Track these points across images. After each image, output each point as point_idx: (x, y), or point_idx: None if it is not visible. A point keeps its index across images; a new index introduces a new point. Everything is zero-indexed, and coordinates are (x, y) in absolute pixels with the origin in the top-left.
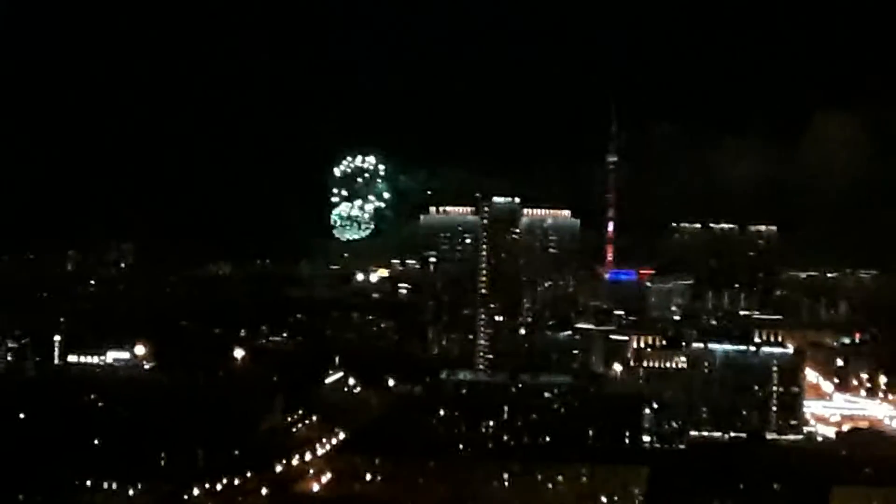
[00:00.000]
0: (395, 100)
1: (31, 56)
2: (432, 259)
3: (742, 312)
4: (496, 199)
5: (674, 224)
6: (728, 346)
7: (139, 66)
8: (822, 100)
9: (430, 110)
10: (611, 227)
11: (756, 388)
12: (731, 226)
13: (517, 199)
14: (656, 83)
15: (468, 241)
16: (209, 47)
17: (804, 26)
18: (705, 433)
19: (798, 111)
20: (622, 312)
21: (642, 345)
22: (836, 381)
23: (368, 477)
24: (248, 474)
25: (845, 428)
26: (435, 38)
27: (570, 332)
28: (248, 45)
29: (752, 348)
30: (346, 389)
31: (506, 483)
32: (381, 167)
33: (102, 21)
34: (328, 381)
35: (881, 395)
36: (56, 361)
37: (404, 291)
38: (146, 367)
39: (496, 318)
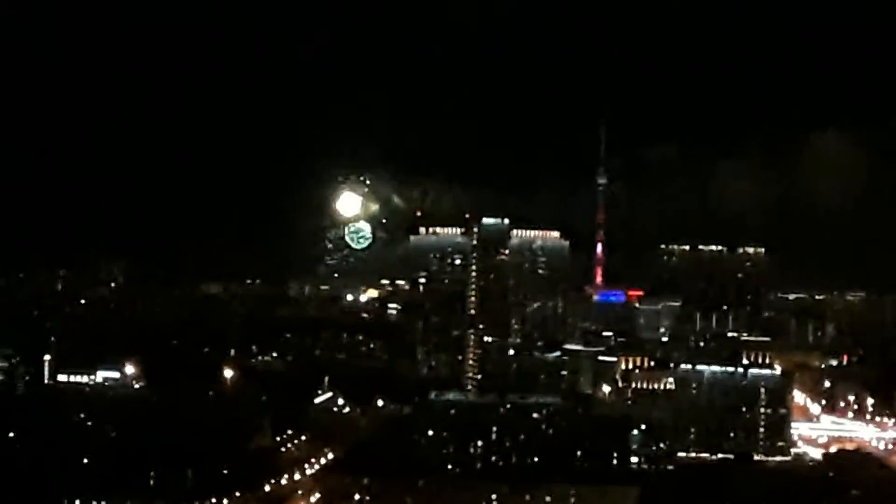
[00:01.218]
0: (385, 120)
1: (22, 70)
2: (422, 280)
3: (730, 334)
4: (486, 219)
5: (662, 246)
6: (716, 368)
7: (130, 85)
8: (811, 123)
9: (421, 131)
10: (600, 248)
11: (744, 409)
12: (720, 248)
13: (507, 220)
14: (646, 106)
15: (458, 261)
16: (198, 66)
17: (793, 48)
18: (693, 454)
19: (787, 134)
20: (611, 334)
21: (631, 366)
22: (824, 402)
23: (357, 497)
24: (238, 493)
25: (832, 449)
26: (424, 59)
27: (558, 353)
28: (237, 62)
29: (740, 370)
30: (335, 409)
31: (494, 503)
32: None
33: (89, 41)
34: (317, 400)
35: (868, 416)
36: (46, 380)
37: (394, 312)
38: (136, 386)
39: (485, 338)
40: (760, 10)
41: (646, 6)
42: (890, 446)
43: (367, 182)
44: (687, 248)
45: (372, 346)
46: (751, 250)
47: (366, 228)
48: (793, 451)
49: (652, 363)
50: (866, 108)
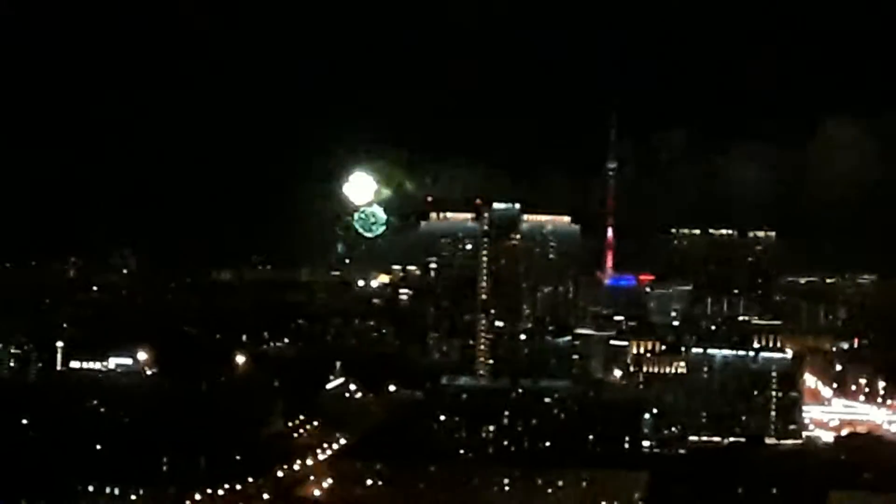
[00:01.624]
0: (395, 105)
1: (32, 61)
2: (433, 265)
3: (741, 318)
4: (496, 205)
5: (673, 230)
6: (727, 352)
7: (141, 71)
8: (822, 106)
9: (431, 116)
10: (610, 232)
11: (755, 393)
12: (731, 231)
13: (517, 205)
14: (656, 89)
15: (468, 247)
16: (209, 51)
17: (805, 32)
18: (704, 438)
19: (798, 117)
20: (622, 318)
21: (642, 350)
22: (835, 386)
23: (370, 482)
24: (250, 479)
25: (844, 433)
26: (434, 44)
27: (569, 338)
28: (246, 48)
29: (751, 353)
30: (347, 395)
31: (506, 488)
32: (383, 173)
33: (104, 26)
34: (329, 386)
35: (880, 400)
36: (58, 367)
37: (405, 297)
38: (148, 372)
39: (496, 323)
40: None
41: None
42: None
43: (378, 167)
44: (697, 232)
45: (383, 331)
46: (761, 234)
47: (378, 212)
48: (804, 434)
49: (663, 347)
50: (878, 93)
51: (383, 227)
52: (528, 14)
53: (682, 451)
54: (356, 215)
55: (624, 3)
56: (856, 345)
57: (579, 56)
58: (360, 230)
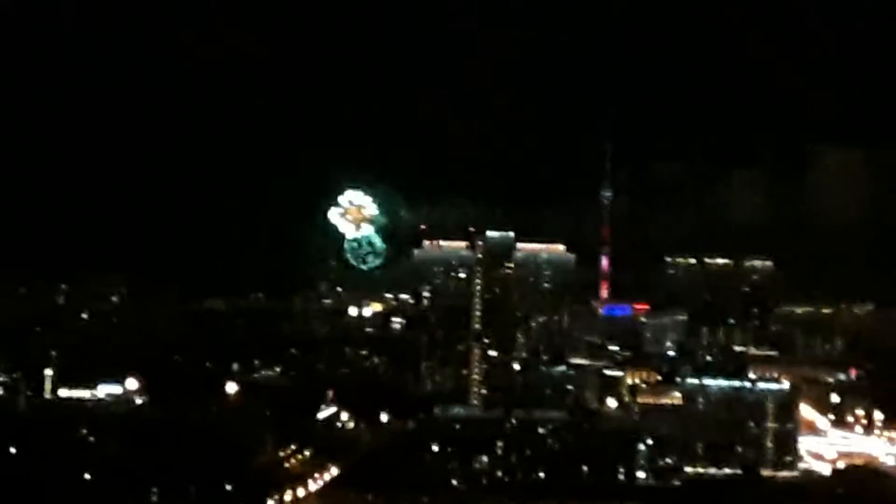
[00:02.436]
0: (390, 133)
1: (23, 88)
2: (426, 294)
3: (737, 348)
4: (490, 233)
5: (669, 259)
6: (723, 382)
7: (130, 99)
8: (819, 136)
9: (425, 144)
10: (605, 261)
11: (751, 424)
12: (727, 261)
13: (512, 234)
14: (653, 118)
15: (462, 275)
16: (200, 78)
17: (800, 63)
18: (700, 469)
19: (795, 147)
20: (617, 348)
21: (637, 380)
22: (832, 417)
23: None
24: None
25: (841, 465)
26: (429, 72)
27: (564, 368)
28: (240, 74)
29: (748, 384)
30: (339, 424)
31: None
32: (378, 201)
33: (89, 55)
34: (321, 415)
35: (877, 431)
36: (47, 396)
37: (398, 326)
38: (138, 401)
39: (490, 353)
40: (769, 24)
41: (653, 20)
42: None
43: (372, 195)
44: (693, 261)
45: (376, 360)
46: (758, 263)
47: (376, 240)
48: (800, 466)
49: (658, 377)
50: (875, 122)
51: (379, 257)
52: (524, 42)
53: (677, 483)
54: (348, 244)
55: (619, 33)
56: (853, 375)
57: (574, 85)
58: (354, 260)
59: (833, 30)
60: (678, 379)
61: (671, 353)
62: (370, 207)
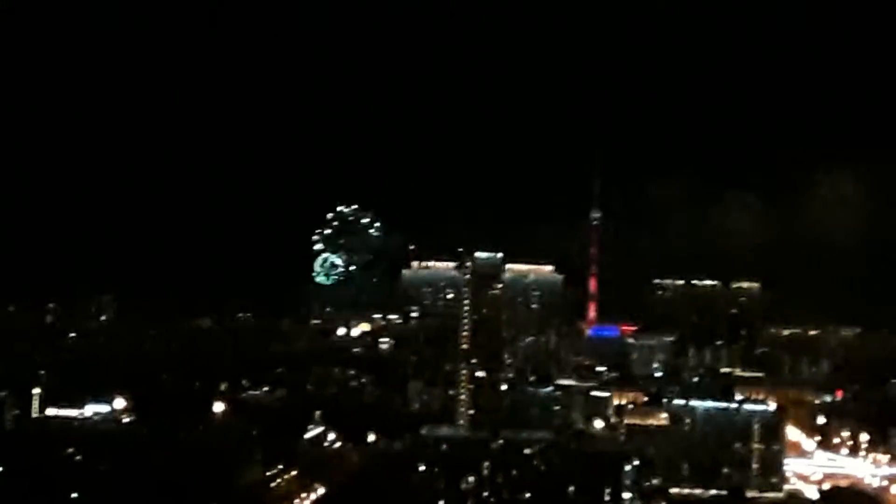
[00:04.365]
0: (381, 154)
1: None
2: (414, 314)
3: (724, 369)
4: (479, 253)
5: (656, 280)
6: (709, 403)
7: (123, 119)
8: (808, 161)
9: (415, 165)
10: (593, 283)
11: (737, 445)
12: (714, 282)
13: (500, 254)
14: (642, 142)
15: (451, 295)
16: (194, 98)
17: (791, 89)
18: (686, 490)
19: (783, 171)
20: (604, 369)
21: (624, 401)
22: (818, 438)
23: None
24: None
25: (826, 486)
26: (418, 95)
27: (551, 388)
28: (230, 98)
29: (734, 405)
30: (326, 444)
31: None
32: (367, 221)
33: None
34: (308, 435)
35: (863, 453)
36: (35, 414)
37: (385, 346)
38: (126, 420)
39: (477, 373)
40: (755, 52)
41: (642, 48)
42: (884, 483)
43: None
44: (681, 282)
45: (363, 380)
46: (745, 285)
47: (336, 259)
48: (786, 487)
49: (645, 398)
50: (859, 148)
51: (341, 274)
52: (513, 65)
53: None
54: (317, 261)
55: (609, 56)
56: (839, 397)
57: (563, 107)
58: (321, 276)
59: (822, 57)
60: (665, 400)
61: (658, 374)
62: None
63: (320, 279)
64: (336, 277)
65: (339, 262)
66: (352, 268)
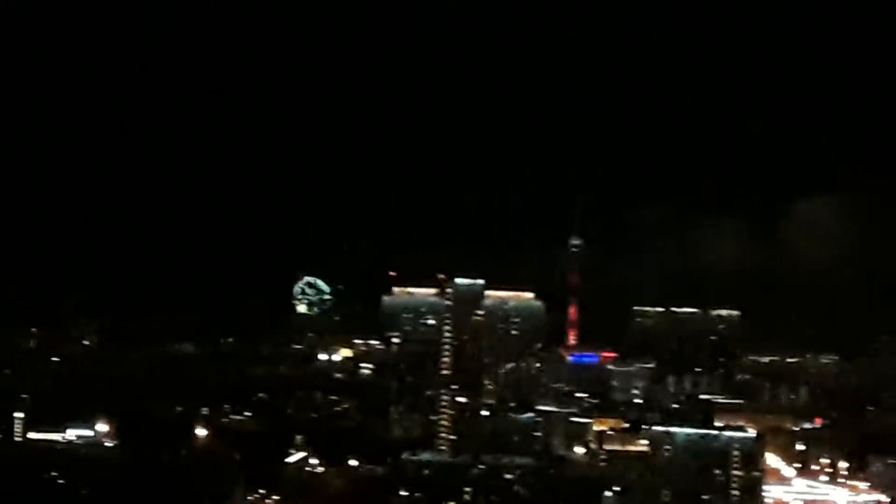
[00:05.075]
0: (361, 179)
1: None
2: (395, 339)
3: (703, 396)
4: (459, 279)
5: (636, 307)
6: (689, 430)
7: (107, 143)
8: (785, 188)
9: (395, 190)
10: (573, 309)
11: (717, 471)
12: (694, 310)
13: (481, 280)
14: (622, 168)
15: (431, 321)
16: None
17: (772, 116)
18: None
19: (761, 199)
20: (584, 395)
21: (604, 427)
22: (797, 465)
23: None
24: None
25: None
26: (401, 115)
27: (532, 414)
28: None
29: (713, 432)
30: (307, 469)
31: None
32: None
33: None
34: (290, 460)
35: (842, 479)
36: (17, 438)
37: (367, 371)
38: (108, 444)
39: (458, 398)
40: (736, 78)
41: (625, 71)
42: None
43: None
44: (661, 309)
45: (345, 405)
46: (724, 313)
47: (320, 284)
48: None
49: (625, 425)
50: (841, 175)
51: (326, 299)
52: (496, 88)
53: None
54: (298, 287)
55: (591, 83)
56: (818, 424)
57: (544, 133)
58: (304, 302)
59: (804, 83)
60: (645, 426)
61: (638, 400)
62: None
63: (301, 308)
64: (316, 303)
65: (321, 286)
66: (327, 293)
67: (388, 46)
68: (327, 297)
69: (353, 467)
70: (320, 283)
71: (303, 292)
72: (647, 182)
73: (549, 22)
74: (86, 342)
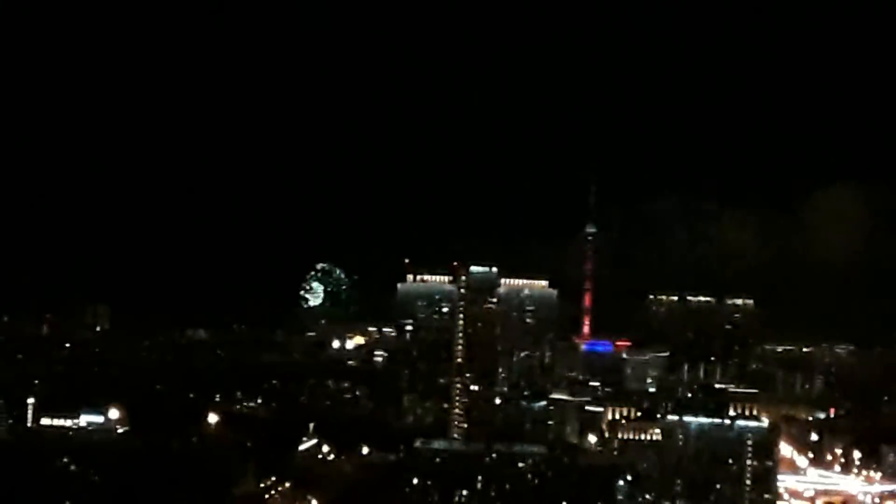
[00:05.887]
0: (377, 168)
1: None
2: (409, 327)
3: (717, 385)
4: (474, 268)
5: (651, 296)
6: (703, 419)
7: (120, 129)
8: (804, 178)
9: (412, 179)
10: (588, 298)
11: (730, 461)
12: (709, 298)
13: (495, 269)
14: (638, 157)
15: (445, 309)
16: (192, 107)
17: (789, 106)
18: None
19: (779, 188)
20: (598, 383)
21: (617, 416)
22: (811, 455)
23: None
24: None
25: (819, 503)
26: (419, 111)
27: (545, 403)
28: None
29: (727, 422)
30: (319, 456)
31: None
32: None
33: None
34: (302, 447)
35: (855, 470)
36: (29, 424)
37: (380, 359)
38: (120, 430)
39: (472, 387)
40: (752, 68)
41: (639, 63)
42: (877, 500)
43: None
44: (675, 298)
45: (357, 393)
46: (739, 302)
47: (336, 271)
48: (778, 503)
49: (638, 414)
50: (856, 167)
51: (343, 285)
52: (511, 79)
53: None
54: (312, 274)
55: (606, 74)
56: (832, 414)
57: (560, 123)
58: (320, 287)
59: (820, 75)
60: (658, 415)
61: (652, 389)
62: None
63: (315, 295)
64: (331, 291)
65: (336, 272)
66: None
67: (409, 42)
68: (343, 284)
69: (366, 455)
70: (336, 270)
71: (318, 280)
72: (663, 171)
73: (563, 21)
74: (98, 328)
